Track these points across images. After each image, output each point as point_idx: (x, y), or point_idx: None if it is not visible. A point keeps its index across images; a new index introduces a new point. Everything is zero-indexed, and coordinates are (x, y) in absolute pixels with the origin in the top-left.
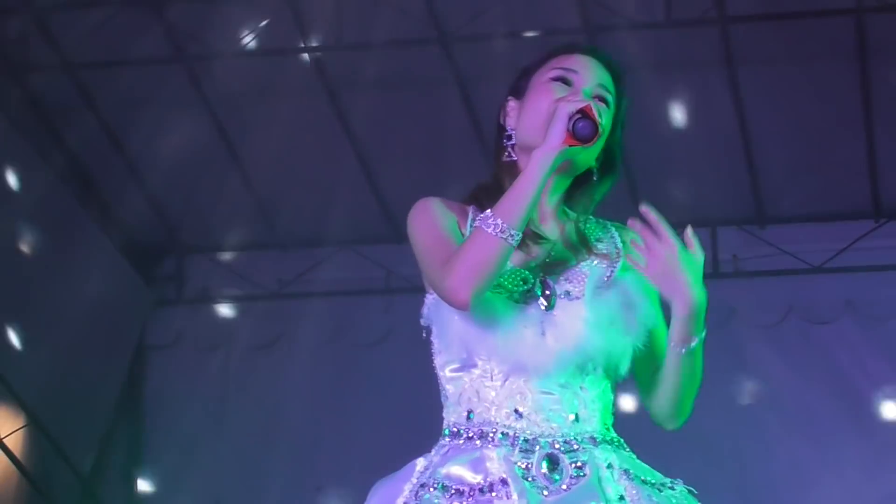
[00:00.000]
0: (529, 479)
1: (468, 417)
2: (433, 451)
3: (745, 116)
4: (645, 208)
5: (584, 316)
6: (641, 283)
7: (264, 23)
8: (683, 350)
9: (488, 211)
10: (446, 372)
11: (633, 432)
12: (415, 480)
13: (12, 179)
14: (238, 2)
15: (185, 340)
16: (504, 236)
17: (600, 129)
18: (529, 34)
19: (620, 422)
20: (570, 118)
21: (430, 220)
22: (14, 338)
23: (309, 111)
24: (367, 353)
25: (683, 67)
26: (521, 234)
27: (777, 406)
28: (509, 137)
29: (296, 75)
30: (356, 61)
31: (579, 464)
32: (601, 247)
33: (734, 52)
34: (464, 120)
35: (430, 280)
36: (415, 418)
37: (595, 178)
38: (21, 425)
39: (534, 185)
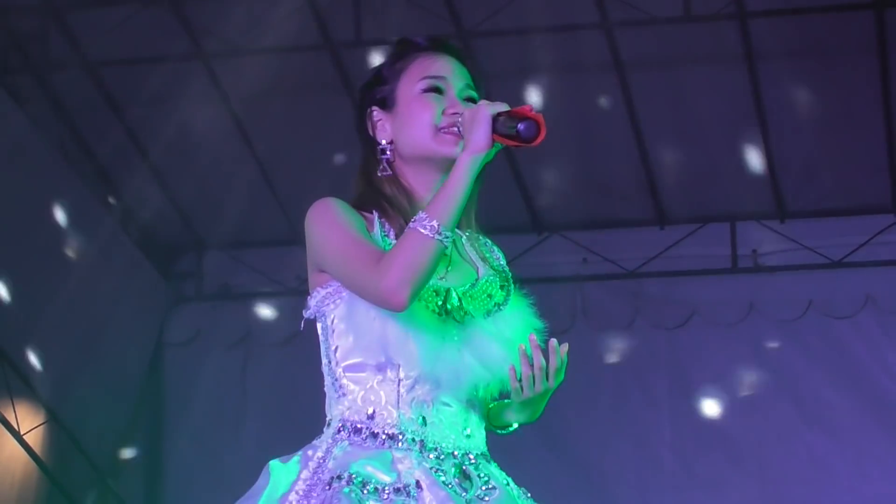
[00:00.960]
0: (447, 485)
1: (370, 417)
2: (328, 442)
3: (765, 111)
4: (553, 342)
5: (496, 336)
6: (527, 305)
7: (283, 19)
8: (500, 433)
9: (422, 213)
10: (344, 368)
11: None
12: (313, 466)
13: (31, 176)
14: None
15: (204, 337)
16: (440, 237)
17: (543, 126)
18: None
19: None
20: (494, 120)
21: (341, 220)
22: (34, 334)
23: (329, 108)
24: None
25: (702, 62)
26: (452, 236)
27: (797, 401)
28: (383, 151)
29: (316, 72)
30: (374, 57)
31: (483, 476)
32: (489, 263)
33: (754, 47)
34: None
35: (353, 279)
36: None
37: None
38: (41, 422)
39: (464, 188)
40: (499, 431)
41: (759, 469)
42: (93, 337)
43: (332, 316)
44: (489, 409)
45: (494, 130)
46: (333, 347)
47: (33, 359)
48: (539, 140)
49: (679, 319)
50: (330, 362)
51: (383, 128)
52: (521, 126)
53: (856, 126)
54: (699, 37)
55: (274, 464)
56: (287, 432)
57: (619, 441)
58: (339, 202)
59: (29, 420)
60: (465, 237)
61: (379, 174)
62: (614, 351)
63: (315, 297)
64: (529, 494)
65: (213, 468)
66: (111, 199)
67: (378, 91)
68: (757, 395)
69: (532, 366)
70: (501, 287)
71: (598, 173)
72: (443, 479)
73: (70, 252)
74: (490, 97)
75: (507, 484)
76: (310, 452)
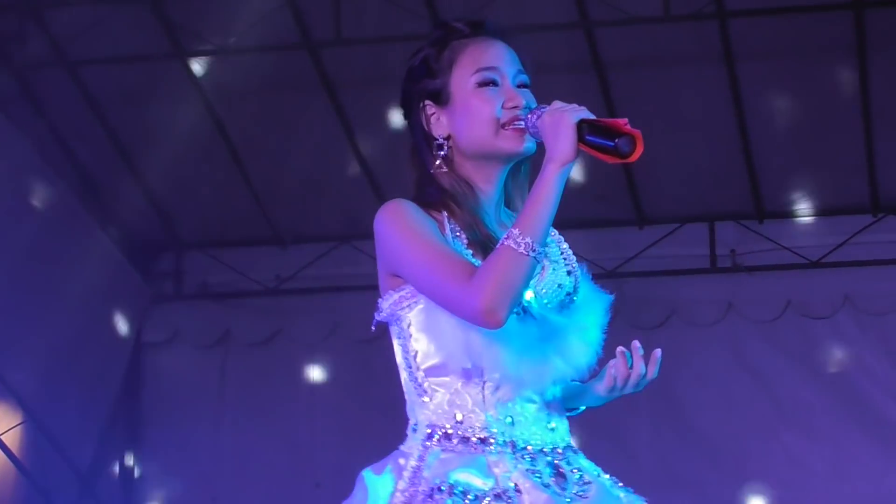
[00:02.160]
0: (546, 486)
1: (459, 422)
2: (419, 449)
3: (744, 111)
4: (636, 343)
5: (571, 327)
6: (595, 288)
7: (262, 17)
8: (572, 414)
9: (514, 229)
10: (429, 373)
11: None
12: (408, 476)
13: (9, 175)
14: None
15: (183, 336)
16: (534, 254)
17: (641, 141)
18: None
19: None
20: (578, 128)
21: (418, 227)
22: (10, 333)
23: (308, 107)
24: (366, 349)
25: (682, 62)
26: (544, 251)
27: (774, 400)
28: (440, 147)
29: (295, 71)
30: (353, 56)
31: (575, 470)
32: (553, 254)
33: (733, 47)
34: None
35: (443, 296)
36: None
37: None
38: (18, 422)
39: (553, 201)
40: (572, 413)
41: (737, 468)
42: (70, 336)
43: (409, 319)
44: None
45: (580, 138)
46: (413, 352)
47: (10, 358)
48: (636, 157)
49: (657, 319)
50: (410, 366)
51: (439, 122)
52: (619, 141)
53: (834, 126)
54: (679, 36)
55: (367, 475)
56: (265, 432)
57: (597, 440)
58: (410, 205)
59: (6, 420)
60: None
61: (432, 171)
62: None
63: (388, 300)
64: (619, 482)
65: (192, 467)
66: (90, 198)
67: (429, 84)
68: (735, 395)
69: (631, 369)
70: (569, 273)
71: (576, 173)
72: (540, 480)
73: (48, 251)
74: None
75: (598, 475)
76: (401, 461)
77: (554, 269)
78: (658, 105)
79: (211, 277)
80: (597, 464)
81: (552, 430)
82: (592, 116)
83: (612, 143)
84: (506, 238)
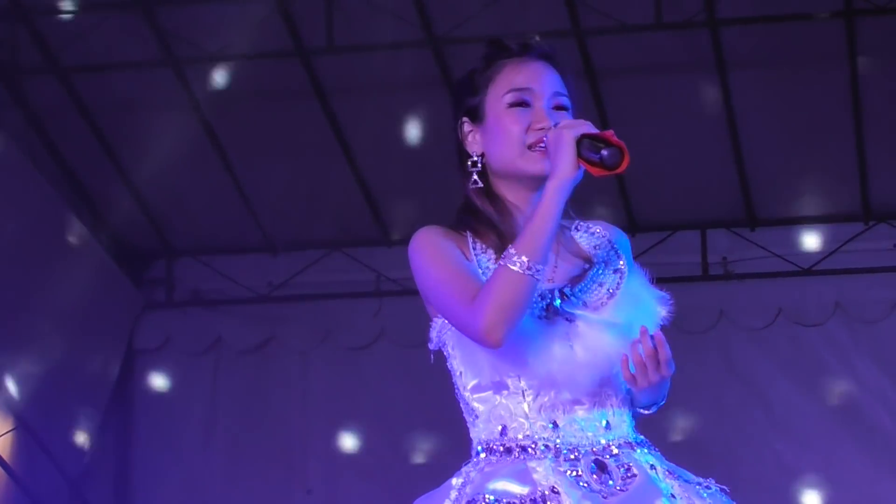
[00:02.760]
0: (582, 484)
1: (502, 433)
2: (468, 468)
3: (735, 119)
4: (659, 334)
5: (607, 325)
6: (646, 286)
7: (254, 25)
8: (646, 413)
9: (511, 249)
10: (473, 392)
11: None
12: (454, 495)
13: (2, 183)
14: (228, 5)
15: (175, 344)
16: (531, 273)
17: (626, 153)
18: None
19: None
20: (578, 143)
21: (440, 252)
22: (2, 340)
23: (300, 114)
24: (357, 356)
25: (673, 70)
26: (544, 268)
27: (766, 408)
28: (475, 164)
29: (287, 78)
30: (345, 63)
31: (626, 465)
32: (601, 254)
33: (724, 55)
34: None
35: (452, 317)
36: (404, 421)
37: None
38: (9, 428)
39: (552, 217)
40: (644, 412)
41: (728, 476)
42: (62, 343)
43: (450, 343)
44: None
45: (579, 154)
46: (458, 373)
47: (1, 364)
48: (623, 168)
49: None
50: (458, 388)
51: (474, 139)
52: (604, 153)
53: (826, 134)
54: (670, 44)
55: (421, 498)
56: (257, 439)
57: None
58: (435, 231)
59: None
60: (572, 229)
61: (470, 186)
62: None
63: (434, 329)
64: (678, 474)
65: (183, 474)
66: (81, 206)
67: (468, 100)
68: (726, 402)
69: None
70: (615, 271)
71: None
72: (578, 478)
73: (39, 258)
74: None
75: (652, 467)
76: (453, 481)
77: (597, 270)
78: (649, 113)
79: (202, 284)
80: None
81: (606, 428)
82: (594, 132)
83: (598, 157)
84: (503, 257)
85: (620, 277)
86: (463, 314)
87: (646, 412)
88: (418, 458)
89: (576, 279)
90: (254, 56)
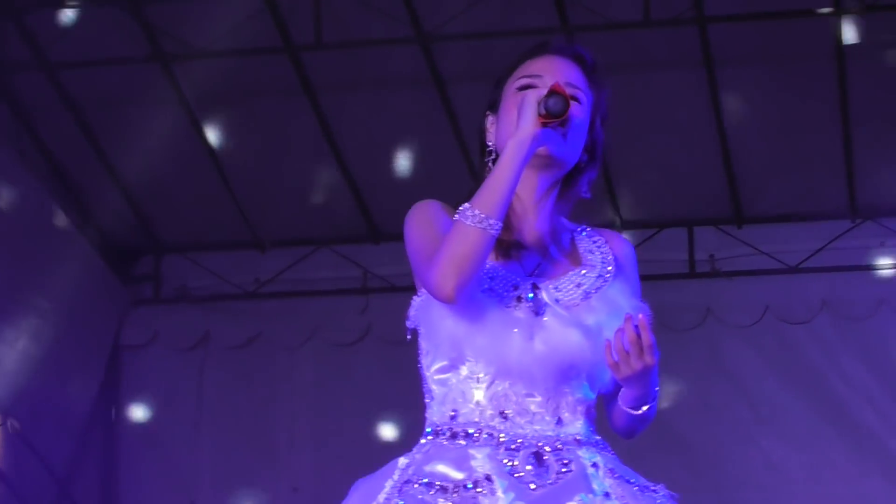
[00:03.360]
0: (516, 475)
1: (452, 417)
2: (415, 450)
3: (723, 116)
4: (643, 317)
5: (574, 324)
6: (627, 296)
7: (243, 21)
8: (635, 413)
9: (466, 203)
10: (433, 373)
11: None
12: (396, 477)
13: None
14: (216, 0)
15: (162, 340)
16: (483, 226)
17: (570, 102)
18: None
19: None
20: (539, 103)
21: (425, 220)
22: None
23: (288, 111)
24: (345, 353)
25: (661, 67)
26: (500, 223)
27: (753, 405)
28: (489, 153)
29: (276, 75)
30: (333, 60)
31: (565, 461)
32: (592, 258)
33: (712, 52)
34: (445, 119)
35: (417, 275)
36: (391, 417)
37: (582, 169)
38: None
39: (509, 173)
40: (632, 412)
41: (714, 473)
42: (48, 339)
43: (420, 320)
44: (605, 399)
45: (538, 112)
46: (424, 352)
47: None
48: (566, 114)
49: None
50: (422, 370)
51: (492, 130)
52: (549, 101)
53: (813, 132)
54: (658, 41)
55: (365, 477)
56: (244, 436)
57: None
58: (430, 203)
59: None
60: (576, 232)
61: (486, 176)
62: None
63: (413, 307)
64: (620, 474)
65: (170, 472)
66: (69, 202)
67: (493, 94)
68: (713, 400)
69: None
70: (599, 276)
71: None
72: (513, 469)
73: (26, 254)
74: (451, 101)
75: (594, 466)
76: (400, 461)
77: (581, 273)
78: (637, 110)
79: (190, 281)
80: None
81: (557, 424)
82: (554, 87)
83: (544, 106)
84: (458, 212)
85: (602, 283)
86: (423, 270)
87: (634, 412)
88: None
89: (557, 276)
90: (242, 52)
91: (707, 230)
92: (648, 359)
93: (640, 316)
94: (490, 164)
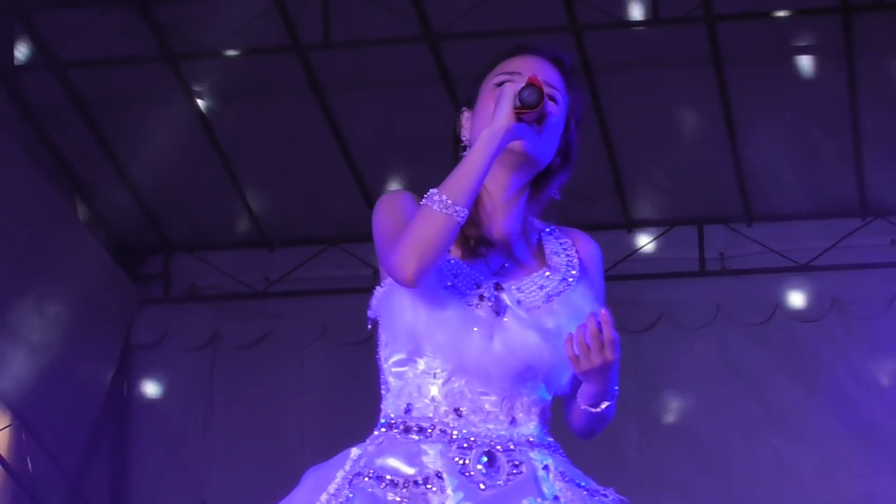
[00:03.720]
0: (466, 474)
1: (406, 411)
2: (368, 441)
3: (732, 114)
4: (606, 313)
5: (533, 326)
6: (590, 300)
7: (251, 20)
8: (594, 411)
9: (433, 189)
10: (390, 365)
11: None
12: (348, 468)
13: None
14: (226, 0)
15: (172, 339)
16: (448, 212)
17: (545, 94)
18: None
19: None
20: (514, 95)
21: (392, 209)
22: None
23: (297, 110)
24: (355, 352)
25: (670, 65)
26: (466, 211)
27: (763, 403)
28: (464, 149)
29: (284, 74)
30: (341, 59)
31: (516, 462)
32: (557, 260)
33: (721, 50)
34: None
35: (380, 260)
36: None
37: (554, 171)
38: (6, 424)
39: (480, 162)
40: (591, 409)
41: (725, 471)
42: (59, 338)
43: (380, 311)
44: (565, 400)
45: (514, 106)
46: (383, 343)
47: None
48: (541, 106)
49: (646, 322)
50: (379, 361)
51: (467, 126)
52: (524, 92)
53: (823, 129)
54: (667, 40)
55: (317, 466)
56: (254, 434)
57: (586, 443)
58: (400, 193)
59: None
60: (544, 232)
61: None
62: None
63: (376, 296)
64: (570, 478)
65: (180, 470)
66: (78, 201)
67: (471, 91)
68: (723, 398)
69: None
70: (562, 280)
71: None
72: (464, 467)
73: (36, 253)
74: (459, 99)
75: (545, 468)
76: (353, 452)
77: (544, 274)
78: (647, 108)
79: (200, 280)
80: (585, 464)
81: (511, 424)
82: (531, 79)
83: (519, 97)
84: (426, 197)
85: (565, 286)
86: (386, 253)
87: (593, 409)
88: None
89: (520, 278)
90: (250, 51)
91: (717, 228)
92: (609, 354)
93: (603, 311)
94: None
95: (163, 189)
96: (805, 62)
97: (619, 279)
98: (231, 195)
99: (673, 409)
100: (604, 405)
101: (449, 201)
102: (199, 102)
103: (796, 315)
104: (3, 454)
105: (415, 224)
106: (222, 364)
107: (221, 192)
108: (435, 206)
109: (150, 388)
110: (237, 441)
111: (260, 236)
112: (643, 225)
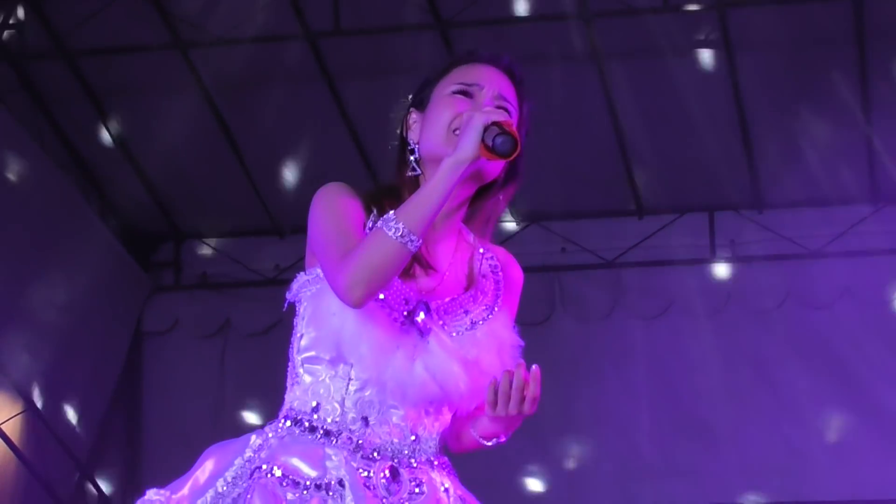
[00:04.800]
0: (370, 487)
1: (314, 409)
2: (269, 432)
3: (743, 101)
4: (536, 369)
5: (456, 354)
6: (509, 329)
7: (261, 8)
8: (486, 444)
9: (391, 212)
10: (304, 359)
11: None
12: (249, 454)
13: (9, 167)
14: None
15: (183, 326)
16: (404, 241)
17: (520, 145)
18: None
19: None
20: (484, 129)
21: (336, 207)
22: (11, 323)
23: (306, 97)
24: None
25: (680, 51)
26: (420, 241)
27: (774, 390)
28: (412, 151)
29: (293, 61)
30: (352, 46)
31: (418, 481)
32: (485, 283)
33: (731, 37)
34: None
35: (324, 269)
36: None
37: (499, 184)
38: (19, 411)
39: (440, 193)
40: (484, 442)
41: (736, 457)
42: (71, 326)
43: (305, 303)
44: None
45: (483, 139)
46: (298, 335)
47: (10, 347)
48: (512, 157)
49: (657, 309)
50: (293, 349)
51: (415, 128)
52: (497, 139)
53: (834, 117)
54: (677, 27)
55: (216, 448)
56: (265, 421)
57: (598, 430)
58: (341, 188)
59: (6, 409)
60: (476, 252)
61: (408, 174)
62: (592, 341)
63: (298, 281)
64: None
65: (191, 457)
66: (89, 190)
67: (421, 92)
68: (734, 385)
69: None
70: (487, 307)
71: (576, 163)
72: (367, 479)
73: (48, 242)
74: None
75: (446, 490)
76: (252, 439)
77: (471, 296)
78: (656, 95)
79: (210, 268)
80: (598, 452)
81: (414, 441)
82: (505, 122)
83: (491, 142)
84: (382, 220)
85: (488, 314)
86: (332, 268)
87: (486, 443)
88: None
89: (447, 299)
90: (260, 39)
91: (728, 215)
92: (527, 409)
93: (535, 368)
94: (412, 161)
95: (174, 177)
96: (815, 47)
97: (630, 266)
98: (241, 183)
99: (683, 396)
100: (495, 441)
101: (405, 230)
102: (210, 90)
103: (807, 302)
104: (15, 441)
105: (367, 248)
106: (233, 351)
107: (232, 179)
108: (391, 234)
109: (162, 376)
110: (248, 429)
111: (271, 224)
112: (653, 212)
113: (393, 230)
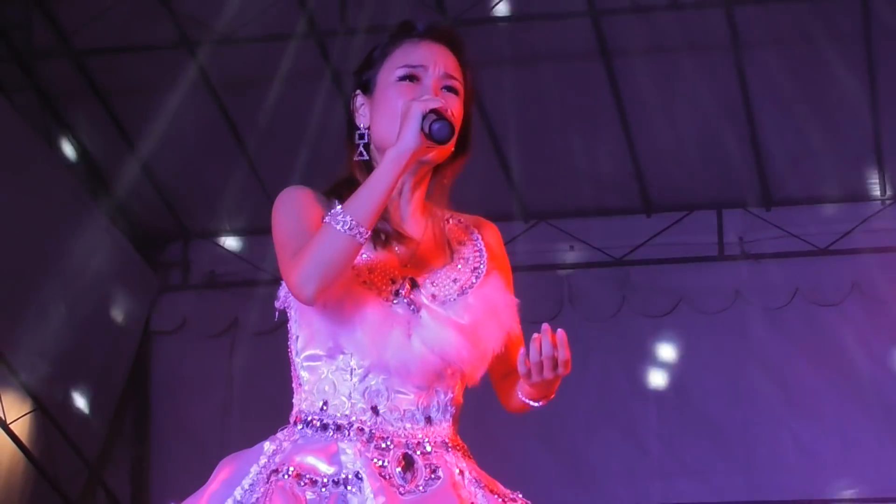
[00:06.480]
0: (386, 476)
1: (322, 408)
2: (282, 436)
3: (751, 99)
4: (562, 332)
5: (450, 322)
6: (502, 291)
7: (268, 6)
8: (534, 405)
9: (338, 207)
10: (304, 359)
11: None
12: (264, 461)
13: (17, 166)
14: None
15: (191, 326)
16: (352, 233)
17: (455, 130)
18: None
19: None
20: (423, 117)
21: (294, 210)
22: (20, 323)
23: (313, 96)
24: None
25: (688, 50)
26: (369, 232)
27: (783, 388)
28: (361, 136)
29: (301, 59)
30: (359, 45)
31: (433, 466)
32: (464, 250)
33: (740, 34)
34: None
35: (281, 271)
36: None
37: (451, 159)
38: (28, 411)
39: (385, 184)
40: (532, 404)
41: (745, 456)
42: (79, 325)
43: (294, 306)
44: (495, 384)
45: (421, 128)
46: (295, 338)
47: (19, 347)
48: (449, 145)
49: (665, 307)
50: (291, 352)
51: (364, 113)
52: (434, 126)
53: (842, 113)
54: (685, 25)
55: (230, 459)
56: (273, 421)
57: (606, 428)
58: (301, 191)
59: (15, 409)
60: (446, 222)
61: (355, 159)
62: (601, 339)
63: (283, 288)
64: (484, 484)
65: (200, 456)
66: (98, 189)
67: (365, 74)
68: (743, 382)
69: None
70: (473, 270)
71: (585, 161)
72: (383, 469)
73: (57, 241)
74: (477, 86)
75: (461, 473)
76: (266, 446)
77: (455, 265)
78: (665, 93)
79: (219, 267)
80: (605, 450)
81: (426, 423)
82: (442, 109)
83: (428, 128)
84: (329, 215)
85: (476, 278)
86: (285, 267)
87: (534, 403)
88: None
89: (432, 271)
90: (267, 38)
91: (736, 213)
92: (561, 371)
93: (560, 331)
94: (361, 148)
95: (181, 176)
96: (823, 46)
97: (639, 264)
98: (249, 182)
99: (692, 394)
100: (544, 400)
101: (353, 222)
102: (217, 89)
103: (816, 299)
104: (24, 441)
105: (317, 243)
106: (241, 351)
107: (240, 178)
108: (339, 227)
109: (171, 375)
110: (256, 428)
111: None
112: (662, 209)
113: (341, 223)
